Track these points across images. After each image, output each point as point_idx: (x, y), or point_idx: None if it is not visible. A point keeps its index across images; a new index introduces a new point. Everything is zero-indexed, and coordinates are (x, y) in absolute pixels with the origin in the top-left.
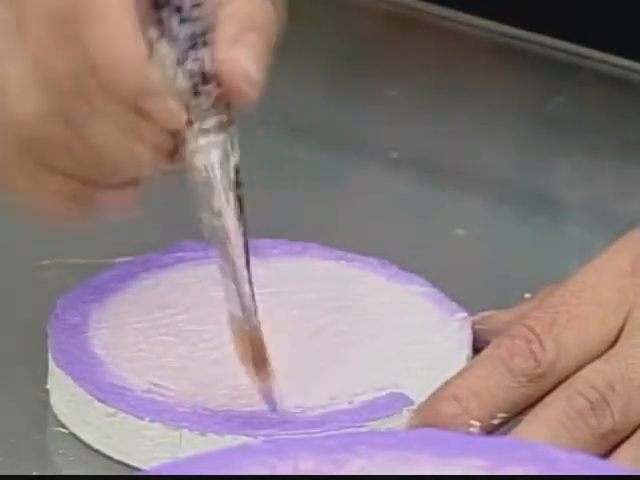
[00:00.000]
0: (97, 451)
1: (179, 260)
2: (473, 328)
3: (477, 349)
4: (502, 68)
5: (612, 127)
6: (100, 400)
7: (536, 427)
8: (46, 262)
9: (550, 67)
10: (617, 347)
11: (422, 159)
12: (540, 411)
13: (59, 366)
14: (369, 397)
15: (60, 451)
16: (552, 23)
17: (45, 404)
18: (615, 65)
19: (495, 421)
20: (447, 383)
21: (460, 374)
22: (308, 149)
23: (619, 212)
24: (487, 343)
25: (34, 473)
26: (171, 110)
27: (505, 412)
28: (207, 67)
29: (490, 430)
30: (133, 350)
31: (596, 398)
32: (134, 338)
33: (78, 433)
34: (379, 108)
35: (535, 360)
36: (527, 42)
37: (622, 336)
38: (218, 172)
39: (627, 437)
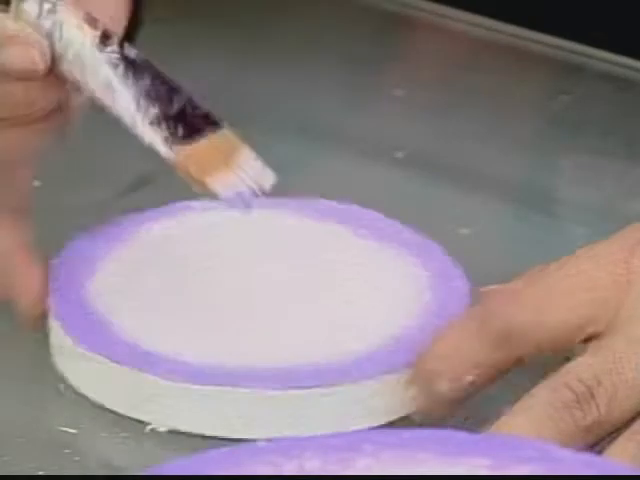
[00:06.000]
0: (98, 450)
1: (187, 209)
2: None
3: None
4: (507, 67)
5: (616, 126)
6: (106, 357)
7: (522, 417)
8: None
9: (555, 66)
10: (606, 339)
11: (427, 158)
12: (526, 401)
13: (57, 318)
14: (362, 352)
15: (65, 450)
16: (556, 22)
17: (47, 403)
18: (620, 64)
19: (469, 378)
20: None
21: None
22: (313, 148)
23: (624, 211)
24: None
25: (38, 473)
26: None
27: (478, 369)
28: None
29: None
30: (134, 305)
31: (582, 391)
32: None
33: (82, 390)
34: (384, 108)
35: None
36: (531, 41)
37: (612, 328)
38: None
39: (613, 431)
